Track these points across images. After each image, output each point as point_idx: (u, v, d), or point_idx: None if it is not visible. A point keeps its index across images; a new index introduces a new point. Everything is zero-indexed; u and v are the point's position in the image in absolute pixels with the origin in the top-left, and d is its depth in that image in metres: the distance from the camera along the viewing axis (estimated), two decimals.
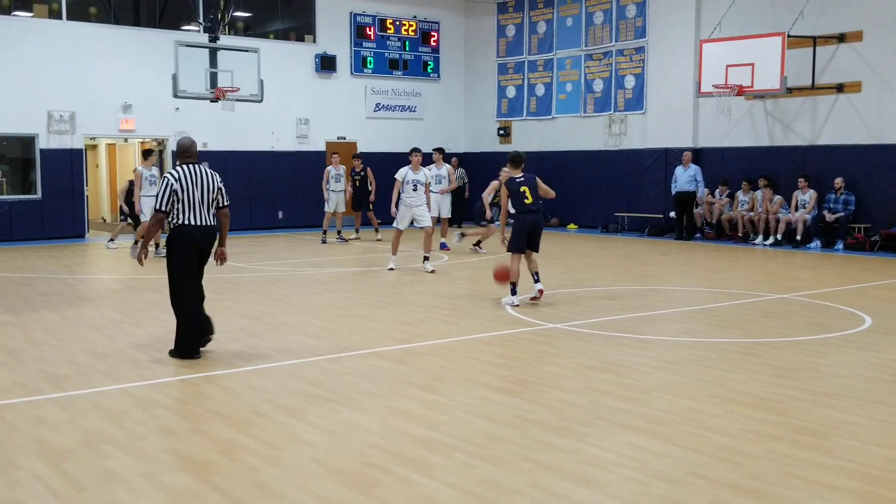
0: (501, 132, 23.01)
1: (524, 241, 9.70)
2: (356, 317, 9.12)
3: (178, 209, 6.89)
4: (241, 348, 7.50)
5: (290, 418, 5.43)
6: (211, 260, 7.20)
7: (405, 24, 22.77)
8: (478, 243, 15.54)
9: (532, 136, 22.28)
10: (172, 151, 19.53)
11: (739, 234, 17.27)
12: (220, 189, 7.10)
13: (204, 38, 17.47)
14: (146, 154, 15.40)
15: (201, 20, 18.36)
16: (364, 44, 22.17)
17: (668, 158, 18.95)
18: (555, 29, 21.51)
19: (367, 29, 22.12)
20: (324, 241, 17.29)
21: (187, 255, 6.91)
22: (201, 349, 7.13)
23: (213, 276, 12.23)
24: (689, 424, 5.31)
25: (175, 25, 20.50)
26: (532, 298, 9.79)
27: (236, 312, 9.30)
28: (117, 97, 18.79)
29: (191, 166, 7.02)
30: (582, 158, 21.02)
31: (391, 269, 12.85)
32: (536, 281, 9.80)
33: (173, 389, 6.15)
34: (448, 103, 23.77)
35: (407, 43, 22.88)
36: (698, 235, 18.05)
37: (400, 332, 8.22)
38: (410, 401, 5.83)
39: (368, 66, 22.25)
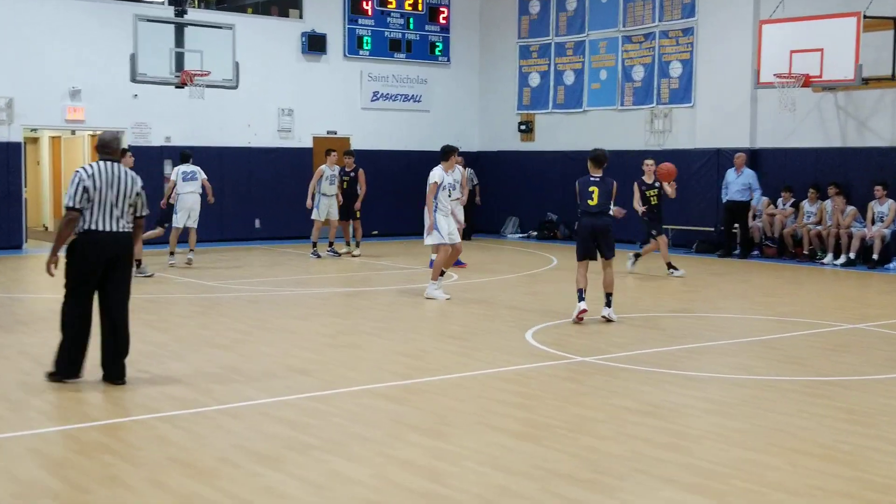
0: (523, 128, 23.07)
1: (586, 248, 10.60)
2: (347, 346, 9.12)
3: (86, 211, 7.12)
4: (208, 383, 7.50)
5: (265, 468, 5.41)
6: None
7: None
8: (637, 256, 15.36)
9: (559, 132, 22.32)
10: (129, 146, 19.61)
11: (805, 252, 17.24)
12: (139, 194, 7.34)
13: (169, 12, 17.58)
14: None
15: None
16: (360, 21, 22.29)
17: (721, 161, 18.95)
18: (587, 5, 21.59)
19: (364, 2, 22.24)
20: (317, 255, 17.22)
21: (89, 266, 7.15)
22: (123, 377, 7.36)
23: (176, 297, 12.27)
24: (744, 478, 5.27)
25: None
26: (578, 317, 10.38)
27: (204, 340, 9.31)
28: (64, 81, 18.88)
29: (109, 164, 7.26)
30: (618, 160, 20.92)
31: (447, 298, 12.15)
32: (607, 304, 10.56)
33: (126, 432, 6.15)
34: (459, 93, 23.85)
35: (411, 20, 22.99)
36: (756, 252, 18.01)
37: (400, 366, 8.21)
38: (411, 448, 5.81)
39: (365, 47, 22.35)
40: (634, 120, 20.80)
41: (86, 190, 7.11)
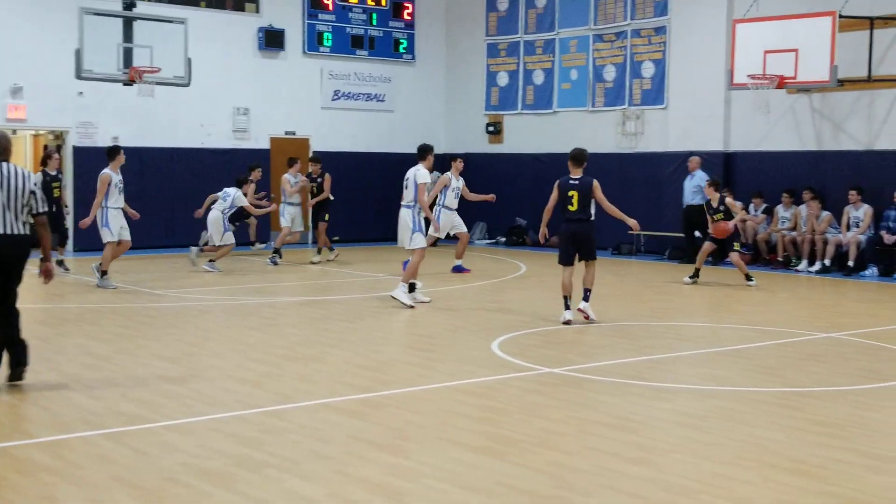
0: (491, 129, 23.13)
1: (568, 253, 11.05)
2: (304, 359, 9.09)
3: None
4: (154, 398, 7.43)
5: (214, 487, 5.37)
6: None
7: None
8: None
9: (528, 134, 22.41)
10: (74, 147, 19.43)
11: (779, 258, 17.43)
12: (32, 192, 7.47)
13: (117, 5, 17.39)
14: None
15: None
16: (320, 16, 22.25)
17: None
18: (557, 2, 21.70)
19: None
20: (274, 263, 17.14)
21: None
22: (16, 383, 7.56)
23: (122, 307, 12.16)
24: (714, 493, 5.31)
25: None
26: (578, 313, 11.03)
27: (150, 352, 9.23)
28: (4, 78, 18.65)
29: (6, 165, 7.47)
30: (589, 163, 21.01)
31: (427, 300, 12.52)
32: (585, 299, 11.05)
33: (66, 450, 6.08)
34: (425, 92, 23.88)
35: (374, 16, 22.99)
36: (727, 259, 18.16)
37: (359, 379, 8.20)
38: (368, 464, 5.80)
39: (325, 43, 22.31)
40: (605, 122, 20.93)
41: None
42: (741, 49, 16.85)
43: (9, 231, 7.35)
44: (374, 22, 22.99)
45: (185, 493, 5.28)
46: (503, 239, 22.39)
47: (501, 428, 6.65)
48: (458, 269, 16.18)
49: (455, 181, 16.14)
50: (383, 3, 23.07)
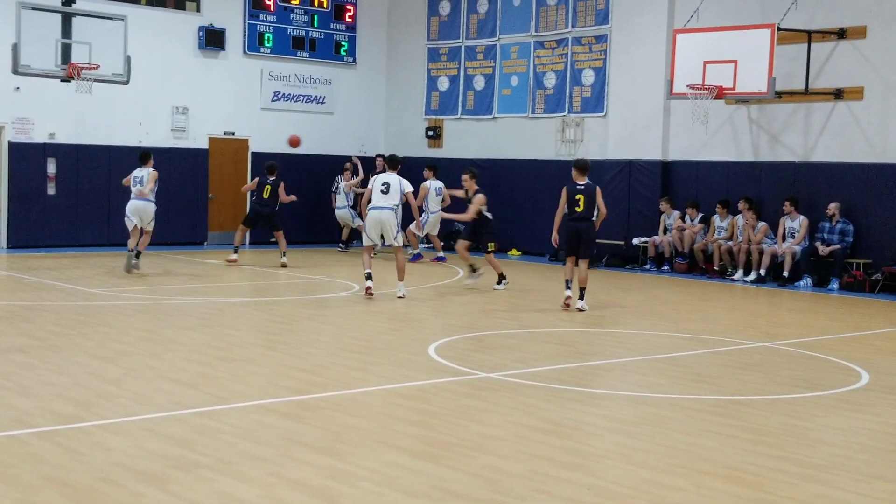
0: (430, 133, 23.19)
1: (572, 247, 12.65)
2: (239, 360, 9.04)
3: None
4: (87, 397, 7.35)
5: (148, 487, 5.34)
6: None
7: None
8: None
9: (468, 139, 22.51)
10: (9, 143, 19.07)
11: (715, 268, 17.73)
12: None
13: (56, 1, 17.17)
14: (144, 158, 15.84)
15: None
16: (261, 16, 22.13)
17: (633, 173, 19.37)
18: (499, 8, 21.85)
19: None
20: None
21: None
22: None
23: (56, 305, 11.97)
24: (646, 499, 5.40)
25: None
26: (565, 303, 12.71)
27: (84, 351, 9.11)
28: None
29: None
30: (528, 169, 21.32)
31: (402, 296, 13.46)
32: (581, 297, 12.59)
33: None
34: (365, 95, 23.87)
35: (316, 17, 22.93)
36: (666, 267, 18.46)
37: (294, 381, 8.18)
38: (304, 467, 5.80)
39: (266, 44, 22.20)
40: (545, 128, 21.11)
41: None
42: (681, 59, 17.08)
43: None
44: (316, 24, 22.93)
45: (117, 494, 5.23)
46: (441, 243, 22.39)
47: (437, 432, 6.69)
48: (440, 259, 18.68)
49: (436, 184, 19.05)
50: (325, 5, 23.02)
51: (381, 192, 13.46)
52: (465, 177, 15.00)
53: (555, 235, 13.08)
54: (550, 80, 21.00)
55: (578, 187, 12.68)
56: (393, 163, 14.03)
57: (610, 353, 10.04)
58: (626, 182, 19.41)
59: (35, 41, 16.22)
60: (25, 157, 19.23)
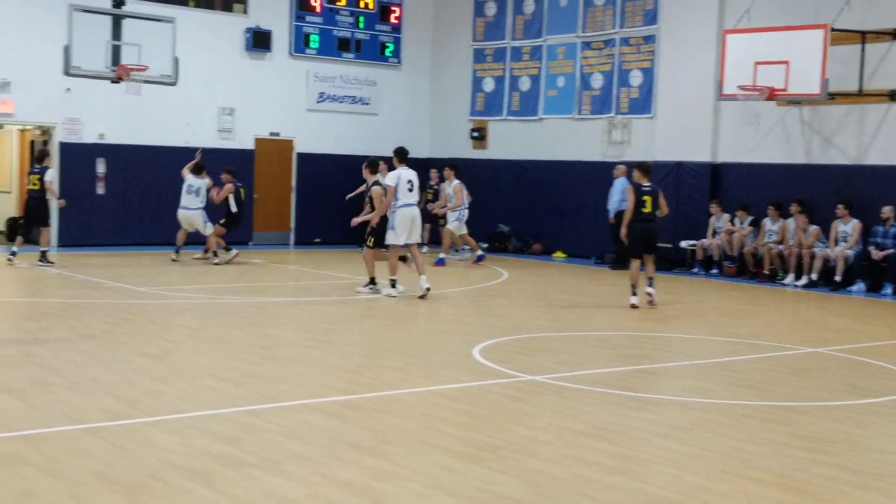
0: (475, 134, 23.19)
1: (639, 248, 13.15)
2: (284, 359, 9.10)
3: None
4: (135, 394, 7.43)
5: (195, 485, 5.38)
6: None
7: None
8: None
9: (513, 140, 22.47)
10: (60, 143, 19.38)
11: (766, 272, 17.53)
12: None
13: (106, 3, 17.40)
14: (198, 169, 16.85)
15: None
16: (307, 18, 22.27)
17: (681, 175, 19.21)
18: (545, 9, 21.79)
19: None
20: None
21: None
22: None
23: (104, 303, 12.14)
24: None
25: None
26: (632, 306, 13.03)
27: (131, 349, 9.22)
28: None
29: None
30: (574, 171, 21.23)
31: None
32: (650, 284, 13.29)
33: (46, 444, 6.07)
34: (410, 96, 23.92)
35: (361, 19, 23.03)
36: (715, 271, 18.29)
37: (339, 381, 8.21)
38: (349, 467, 5.81)
39: (312, 45, 22.33)
40: (592, 129, 21.01)
41: None
42: (731, 60, 16.91)
43: None
44: (361, 25, 23.02)
45: (165, 490, 5.29)
46: (485, 245, 22.40)
47: (482, 434, 6.67)
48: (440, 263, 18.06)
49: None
50: (371, 6, 23.11)
51: (408, 189, 13.44)
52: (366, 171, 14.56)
53: (624, 231, 13.37)
54: (597, 81, 20.90)
55: (645, 189, 13.24)
56: (403, 156, 13.76)
57: (657, 358, 9.96)
58: (675, 184, 19.24)
59: (86, 43, 16.48)
60: (76, 156, 19.53)
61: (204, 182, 17.24)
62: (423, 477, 5.66)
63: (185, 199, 17.29)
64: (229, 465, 5.75)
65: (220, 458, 5.86)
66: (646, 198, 13.21)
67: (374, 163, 14.07)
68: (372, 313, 12.21)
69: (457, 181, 18.94)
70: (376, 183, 13.77)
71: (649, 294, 13.27)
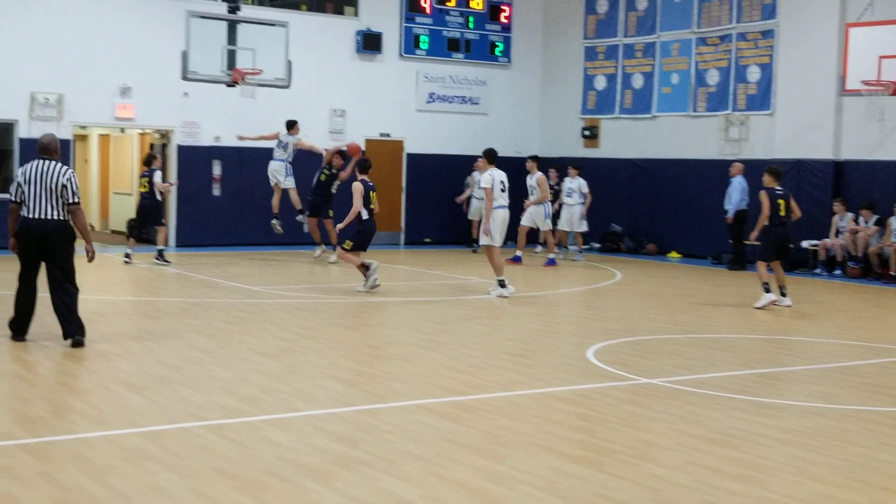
0: (587, 133, 23.01)
1: (774, 252, 13.17)
2: (397, 359, 9.18)
3: (23, 203, 8.91)
4: (253, 392, 7.59)
5: (313, 482, 5.47)
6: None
7: None
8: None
9: (626, 138, 22.22)
10: (178, 146, 19.96)
11: (892, 273, 16.95)
12: (64, 185, 8.83)
13: (222, 8, 17.88)
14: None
15: None
16: (417, 19, 22.44)
17: (802, 173, 18.71)
18: (659, 5, 21.49)
19: (422, 0, 22.39)
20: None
21: (23, 247, 8.95)
22: (22, 336, 9.20)
23: (221, 302, 12.45)
24: None
25: None
26: (770, 305, 13.00)
27: (248, 348, 9.43)
28: (114, 78, 19.28)
29: (42, 162, 8.90)
30: (690, 169, 20.88)
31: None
32: (783, 295, 13.24)
33: (170, 440, 6.26)
34: (520, 95, 23.87)
35: (471, 19, 23.09)
36: (838, 272, 17.75)
37: (452, 381, 8.24)
38: (463, 468, 5.82)
39: (422, 46, 22.49)
40: (708, 127, 20.64)
41: (19, 185, 8.92)
42: (854, 54, 16.52)
43: (44, 216, 8.82)
44: (472, 25, 23.08)
45: (284, 488, 5.38)
46: (597, 245, 22.22)
47: (598, 438, 6.60)
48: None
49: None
50: (480, 6, 23.15)
51: (501, 190, 13.58)
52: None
53: (754, 234, 13.44)
54: (713, 78, 20.50)
55: (778, 192, 13.14)
56: (494, 157, 13.87)
57: (779, 361, 9.70)
58: (795, 182, 18.74)
59: (203, 48, 16.96)
60: (193, 159, 20.11)
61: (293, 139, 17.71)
62: (537, 480, 5.63)
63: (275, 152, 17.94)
64: (345, 464, 5.82)
65: (337, 457, 5.94)
66: (780, 201, 13.09)
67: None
68: (484, 314, 12.20)
69: (539, 173, 18.50)
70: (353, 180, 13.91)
71: (787, 305, 13.18)
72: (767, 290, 13.00)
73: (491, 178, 13.58)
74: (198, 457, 5.90)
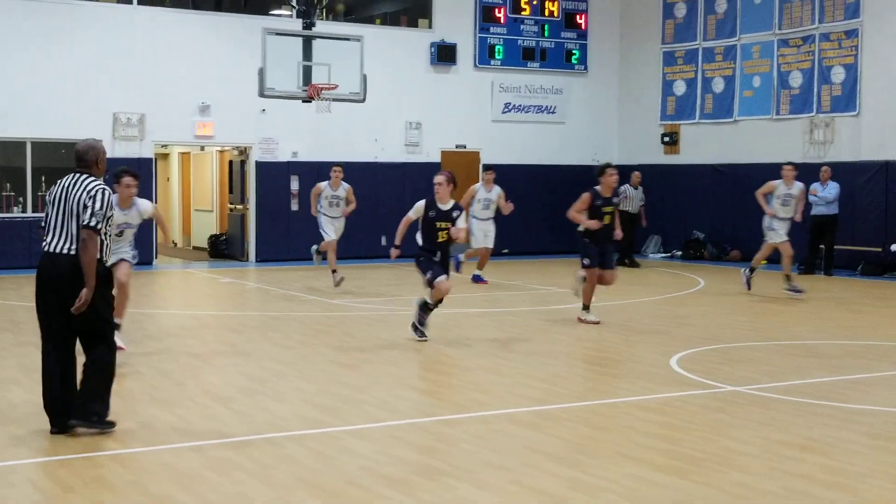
0: (667, 139, 22.81)
1: None
2: (478, 369, 9.22)
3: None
4: (333, 403, 7.71)
5: (394, 492, 5.54)
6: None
7: (545, 3, 22.96)
8: None
9: (707, 144, 21.97)
10: (256, 162, 20.34)
11: None
12: (86, 205, 6.46)
13: (297, 25, 18.17)
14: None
15: (294, 3, 19.14)
16: (492, 28, 22.53)
17: (891, 175, 18.29)
18: (739, 7, 21.24)
19: (497, 10, 22.47)
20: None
21: (39, 299, 6.59)
22: (63, 433, 6.57)
23: (301, 315, 12.65)
24: None
25: (263, 10, 21.42)
26: None
27: (328, 360, 9.57)
28: (193, 97, 19.77)
29: (71, 176, 6.69)
30: (774, 173, 20.44)
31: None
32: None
33: (255, 450, 6.39)
34: (597, 103, 23.78)
35: (546, 27, 23.09)
36: None
37: (533, 391, 8.25)
38: (545, 477, 5.84)
39: (497, 56, 22.57)
40: (791, 130, 20.30)
41: (46, 205, 6.71)
42: None
43: (57, 249, 6.51)
44: (547, 33, 23.08)
45: (365, 497, 5.46)
46: (679, 252, 22.00)
47: (682, 446, 6.56)
48: (477, 279, 16.57)
49: (484, 192, 16.70)
50: (556, 14, 23.14)
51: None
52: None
53: None
54: (796, 80, 20.18)
55: None
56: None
57: (867, 367, 9.50)
58: (883, 185, 18.38)
59: (279, 65, 17.22)
60: (271, 175, 20.47)
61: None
62: (621, 489, 5.62)
63: None
64: (426, 473, 5.88)
65: (417, 467, 6.01)
66: None
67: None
68: (564, 323, 12.18)
69: (498, 187, 16.79)
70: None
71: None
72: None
73: None
74: (282, 466, 6.03)
